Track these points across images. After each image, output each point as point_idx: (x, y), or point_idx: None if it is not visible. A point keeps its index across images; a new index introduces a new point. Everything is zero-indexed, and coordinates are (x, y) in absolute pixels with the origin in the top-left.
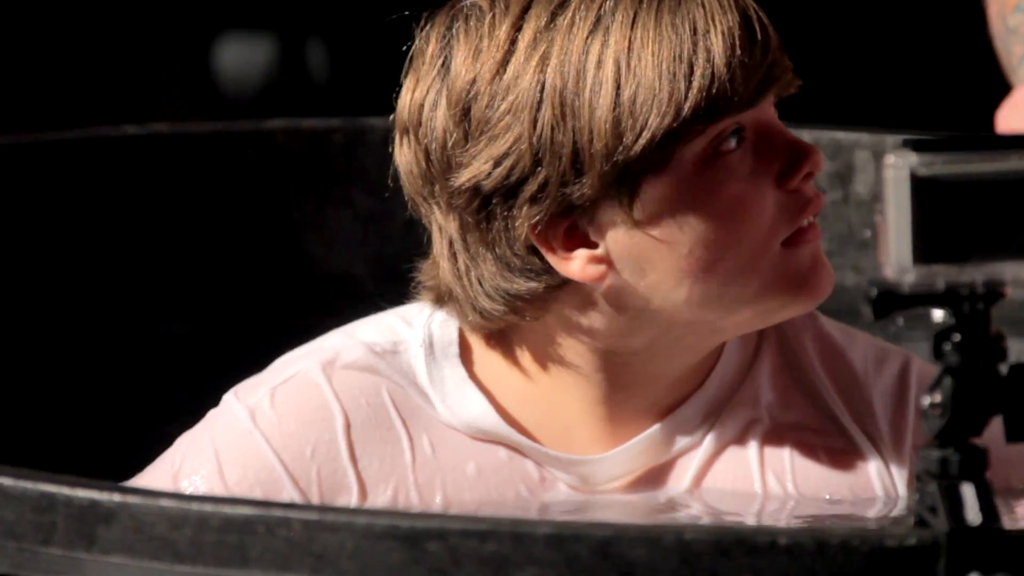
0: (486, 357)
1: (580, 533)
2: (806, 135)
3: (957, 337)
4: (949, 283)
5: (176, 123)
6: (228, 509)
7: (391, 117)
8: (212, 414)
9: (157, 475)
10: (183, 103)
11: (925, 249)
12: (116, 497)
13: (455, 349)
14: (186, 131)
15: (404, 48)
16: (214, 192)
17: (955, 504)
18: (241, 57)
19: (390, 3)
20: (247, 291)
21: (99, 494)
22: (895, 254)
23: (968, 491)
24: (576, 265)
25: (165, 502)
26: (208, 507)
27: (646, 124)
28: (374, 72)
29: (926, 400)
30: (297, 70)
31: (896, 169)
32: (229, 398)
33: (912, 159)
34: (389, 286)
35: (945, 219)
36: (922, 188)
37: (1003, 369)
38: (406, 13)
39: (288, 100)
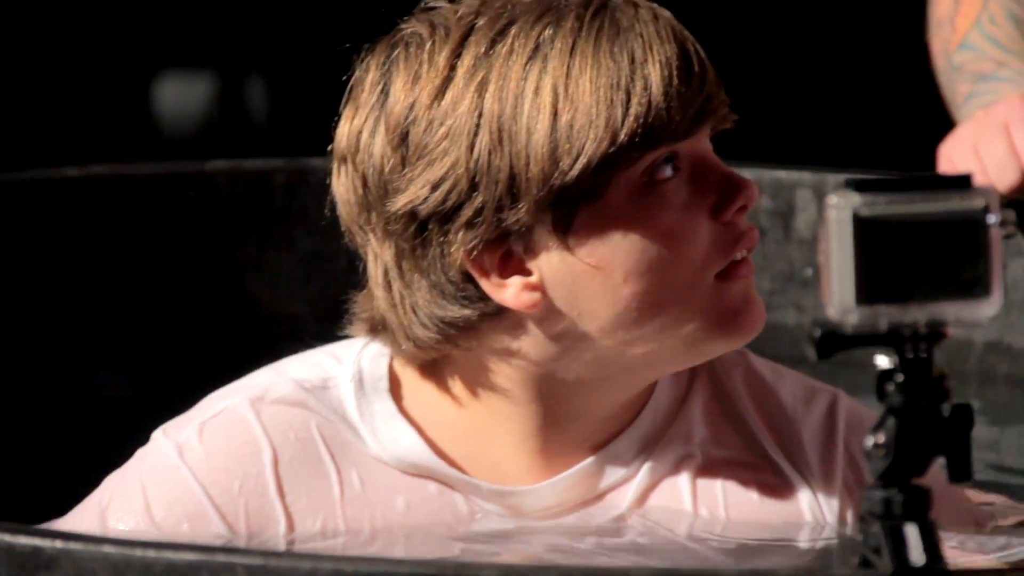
0: (417, 390)
1: (526, 574)
2: (747, 174)
3: (900, 377)
4: (892, 323)
5: (116, 164)
6: (172, 555)
7: (329, 148)
8: (141, 452)
9: (85, 513)
10: (122, 144)
11: (868, 289)
12: (58, 544)
13: (385, 384)
14: (126, 172)
15: (344, 79)
16: (155, 234)
17: (899, 545)
18: (180, 96)
19: (330, 41)
20: (190, 333)
21: (41, 541)
22: (838, 294)
23: (912, 531)
24: (510, 292)
25: (108, 548)
26: (151, 553)
27: (582, 149)
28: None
29: (869, 441)
30: (237, 109)
31: (838, 209)
32: (157, 435)
33: (855, 199)
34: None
35: (887, 259)
36: (864, 228)
37: (945, 409)
38: (347, 45)
39: (228, 139)
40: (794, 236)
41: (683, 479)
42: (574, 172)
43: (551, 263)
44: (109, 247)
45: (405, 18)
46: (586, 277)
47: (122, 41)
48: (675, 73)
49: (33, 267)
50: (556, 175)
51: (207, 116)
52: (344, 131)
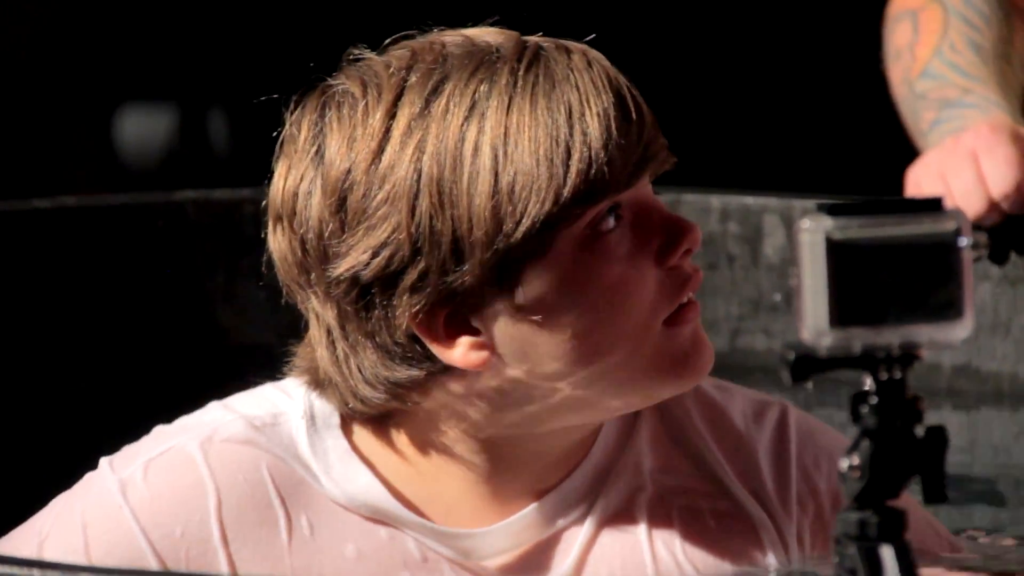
0: (368, 431)
1: None
2: (715, 200)
3: (874, 400)
4: (866, 346)
5: (85, 196)
6: None
7: (263, 203)
8: (87, 478)
9: (25, 538)
10: (85, 176)
11: (841, 312)
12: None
13: (336, 419)
14: (95, 204)
15: (274, 135)
16: (124, 264)
17: (874, 566)
18: (143, 128)
19: (290, 72)
20: (159, 363)
21: None
22: (812, 318)
23: (887, 553)
24: (458, 352)
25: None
26: None
27: (526, 211)
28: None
29: (844, 463)
30: (198, 140)
31: (811, 233)
32: (104, 465)
33: (827, 223)
34: None
35: (861, 282)
36: (837, 252)
37: (919, 431)
38: (314, 76)
39: (190, 170)
40: (762, 262)
41: (635, 512)
42: (518, 234)
43: (498, 321)
44: (78, 278)
45: (335, 73)
46: (534, 333)
47: (84, 73)
48: (613, 124)
49: (2, 298)
50: (500, 238)
51: (169, 147)
52: (278, 188)
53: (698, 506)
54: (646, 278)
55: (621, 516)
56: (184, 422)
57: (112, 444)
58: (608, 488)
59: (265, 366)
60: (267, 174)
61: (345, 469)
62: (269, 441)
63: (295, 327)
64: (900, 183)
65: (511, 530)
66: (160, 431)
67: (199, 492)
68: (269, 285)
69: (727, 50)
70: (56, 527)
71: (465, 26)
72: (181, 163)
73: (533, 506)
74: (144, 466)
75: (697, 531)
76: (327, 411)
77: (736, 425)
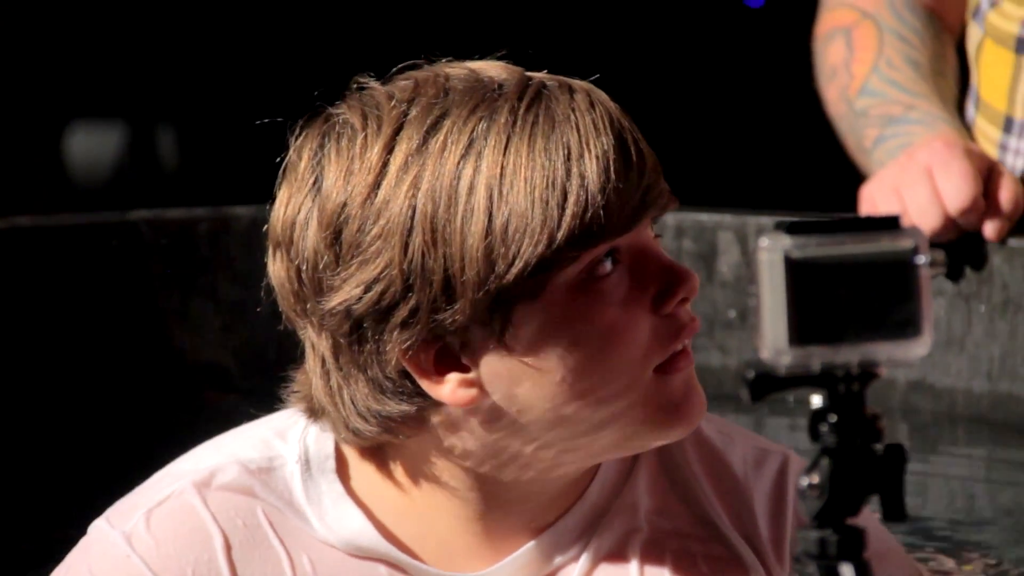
0: (362, 470)
1: None
2: (670, 217)
3: (833, 418)
4: (825, 364)
5: (38, 216)
6: None
7: (229, 210)
8: (84, 543)
9: None
10: (34, 194)
11: (800, 331)
12: None
13: (332, 463)
14: (49, 223)
15: (277, 160)
16: (78, 284)
17: None
18: (91, 146)
19: (239, 89)
20: (113, 382)
21: None
22: (770, 336)
23: (847, 572)
24: (448, 389)
25: None
26: None
27: (519, 252)
28: (225, 158)
29: (804, 481)
30: (147, 157)
31: (770, 252)
32: (101, 524)
33: (785, 242)
34: (256, 375)
35: (819, 301)
36: (796, 270)
37: (879, 449)
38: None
39: (139, 188)
40: (717, 278)
41: (629, 554)
42: (511, 276)
43: (488, 361)
44: (32, 298)
45: (337, 103)
46: (524, 375)
47: (31, 92)
48: (612, 167)
49: None
50: (492, 279)
51: (118, 165)
52: (278, 216)
53: (692, 550)
54: (640, 324)
55: (615, 556)
56: (176, 468)
57: (66, 464)
58: (603, 528)
59: (219, 385)
60: (217, 191)
61: (339, 514)
62: (264, 488)
63: (250, 346)
64: (854, 199)
65: (507, 571)
66: (152, 480)
67: (204, 536)
68: (224, 304)
69: (681, 68)
70: None
71: (472, 58)
72: (131, 180)
73: (529, 545)
74: (145, 517)
75: (689, 574)
76: (322, 455)
77: (734, 471)
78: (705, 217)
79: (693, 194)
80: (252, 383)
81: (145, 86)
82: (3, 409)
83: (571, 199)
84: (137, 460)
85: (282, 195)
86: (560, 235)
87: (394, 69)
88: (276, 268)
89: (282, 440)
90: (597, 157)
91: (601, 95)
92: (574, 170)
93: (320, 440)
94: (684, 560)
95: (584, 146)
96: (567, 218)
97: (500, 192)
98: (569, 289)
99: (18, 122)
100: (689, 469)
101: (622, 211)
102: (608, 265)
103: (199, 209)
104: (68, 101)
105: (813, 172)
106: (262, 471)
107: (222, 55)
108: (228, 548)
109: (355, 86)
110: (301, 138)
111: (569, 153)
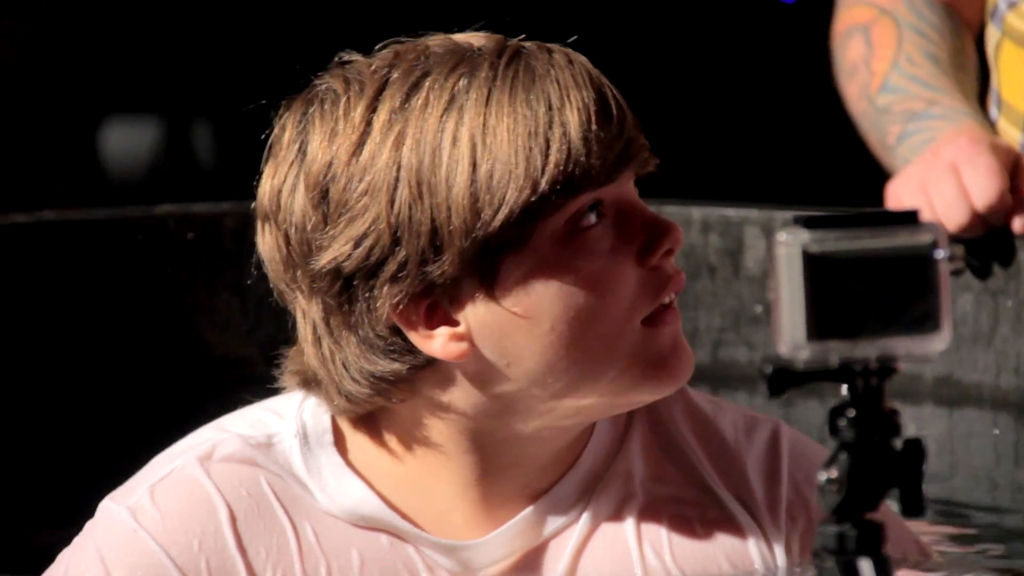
0: (358, 442)
1: None
2: (696, 212)
3: (852, 413)
4: (843, 359)
5: (65, 210)
6: None
7: (252, 205)
8: (90, 524)
9: None
10: (69, 189)
11: (819, 325)
12: None
13: (329, 437)
14: (75, 218)
15: (263, 137)
16: (105, 279)
17: None
18: (127, 141)
19: (275, 84)
20: (140, 377)
21: None
22: (789, 331)
23: (866, 566)
24: (438, 343)
25: None
26: None
27: (503, 200)
28: (260, 154)
29: (822, 476)
30: (183, 153)
31: (788, 247)
32: (106, 504)
33: (804, 236)
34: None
35: (838, 295)
36: (814, 265)
37: (897, 444)
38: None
39: (175, 183)
40: (743, 273)
41: (625, 519)
42: (496, 223)
43: (477, 313)
44: (59, 293)
45: (319, 74)
46: (513, 326)
47: (69, 87)
48: (593, 117)
49: None
50: (478, 226)
51: (154, 161)
52: (265, 189)
53: (687, 514)
54: (626, 274)
55: (611, 522)
56: (178, 447)
57: (93, 456)
58: (599, 494)
59: (246, 379)
60: (251, 187)
61: (340, 484)
62: (266, 459)
63: (275, 340)
64: (880, 195)
65: (504, 538)
66: (155, 460)
67: (209, 507)
68: (250, 298)
69: (709, 62)
70: (72, 567)
71: (451, 32)
72: (166, 176)
73: (526, 511)
74: (149, 491)
75: (686, 538)
76: (320, 429)
77: (725, 437)
78: (732, 212)
79: (720, 189)
80: (278, 377)
81: (181, 82)
82: (29, 403)
83: (553, 147)
84: None
85: (268, 169)
86: (544, 182)
87: (377, 47)
88: (265, 241)
89: (279, 418)
90: (578, 108)
91: (579, 56)
92: (556, 120)
93: (316, 415)
94: (681, 524)
95: (565, 98)
96: (550, 166)
97: (483, 142)
98: (555, 239)
99: (55, 118)
100: (681, 436)
101: (604, 160)
102: (593, 218)
103: (225, 203)
104: (104, 97)
105: (839, 168)
106: (262, 446)
107: (260, 52)
108: (233, 519)
109: (339, 61)
110: (285, 113)
111: (550, 104)
